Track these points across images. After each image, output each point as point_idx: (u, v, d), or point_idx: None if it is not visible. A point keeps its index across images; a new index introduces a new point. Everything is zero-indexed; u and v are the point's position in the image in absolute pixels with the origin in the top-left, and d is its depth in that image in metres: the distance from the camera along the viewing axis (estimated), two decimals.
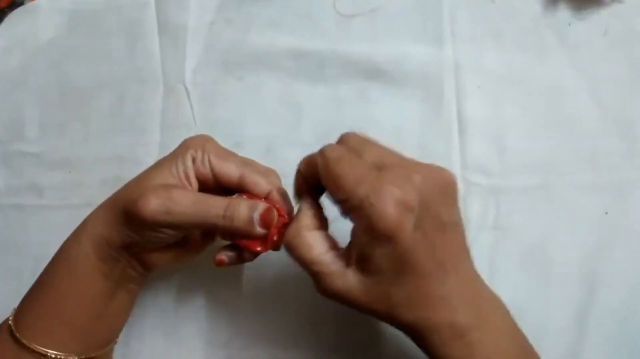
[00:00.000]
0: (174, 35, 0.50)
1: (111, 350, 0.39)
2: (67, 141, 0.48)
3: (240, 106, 0.48)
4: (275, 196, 0.35)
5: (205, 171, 0.36)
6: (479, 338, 0.29)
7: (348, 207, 0.29)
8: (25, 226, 0.46)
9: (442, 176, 0.31)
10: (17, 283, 0.40)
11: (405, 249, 0.28)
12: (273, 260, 0.40)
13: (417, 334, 0.30)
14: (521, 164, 0.45)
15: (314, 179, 0.32)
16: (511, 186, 0.45)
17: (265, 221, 0.33)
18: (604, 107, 0.46)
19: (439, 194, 0.30)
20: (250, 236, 0.34)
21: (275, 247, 0.34)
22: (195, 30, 0.50)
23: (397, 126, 0.46)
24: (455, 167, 0.45)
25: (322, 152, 0.31)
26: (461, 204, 0.32)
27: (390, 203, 0.27)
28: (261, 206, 0.34)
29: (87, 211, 0.38)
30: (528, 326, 0.32)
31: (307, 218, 0.32)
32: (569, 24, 0.48)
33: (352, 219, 0.30)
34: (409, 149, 0.32)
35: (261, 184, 0.35)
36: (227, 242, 0.36)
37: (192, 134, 0.38)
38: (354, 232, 0.30)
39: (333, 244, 0.31)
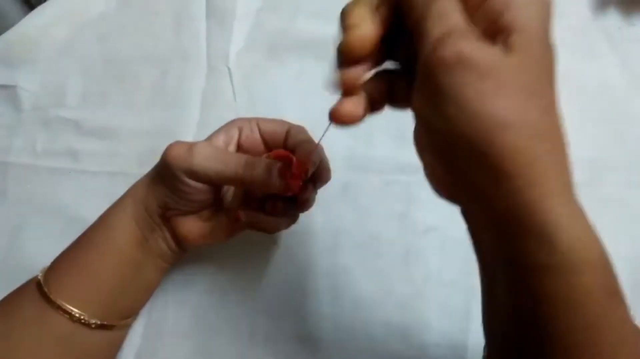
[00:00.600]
0: (221, 19, 0.51)
1: (128, 325, 0.40)
2: (107, 111, 0.49)
3: (281, 90, 0.49)
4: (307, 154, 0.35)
5: (254, 136, 0.37)
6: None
7: None
8: (60, 189, 0.47)
9: None
10: (48, 243, 0.40)
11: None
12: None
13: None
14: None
15: None
16: None
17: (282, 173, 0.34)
18: None
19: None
20: (269, 186, 0.34)
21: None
22: (243, 16, 0.51)
23: None
24: None
25: None
26: None
27: None
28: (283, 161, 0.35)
29: (122, 179, 0.39)
30: None
31: None
32: (619, 28, 0.49)
33: None
34: None
35: (306, 139, 0.37)
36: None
37: (232, 114, 0.38)
38: None
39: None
